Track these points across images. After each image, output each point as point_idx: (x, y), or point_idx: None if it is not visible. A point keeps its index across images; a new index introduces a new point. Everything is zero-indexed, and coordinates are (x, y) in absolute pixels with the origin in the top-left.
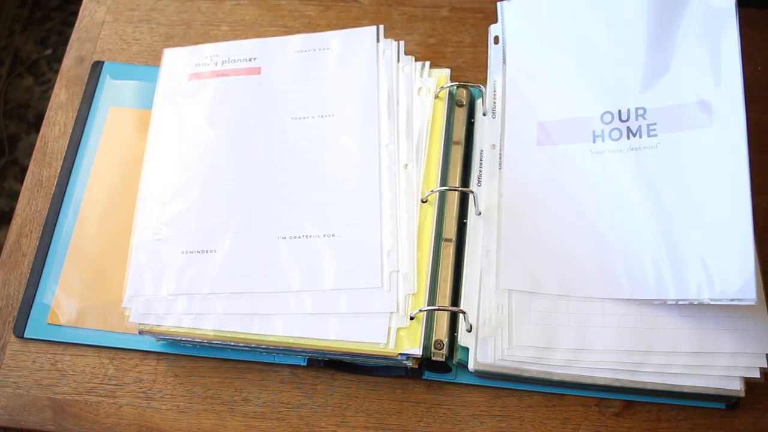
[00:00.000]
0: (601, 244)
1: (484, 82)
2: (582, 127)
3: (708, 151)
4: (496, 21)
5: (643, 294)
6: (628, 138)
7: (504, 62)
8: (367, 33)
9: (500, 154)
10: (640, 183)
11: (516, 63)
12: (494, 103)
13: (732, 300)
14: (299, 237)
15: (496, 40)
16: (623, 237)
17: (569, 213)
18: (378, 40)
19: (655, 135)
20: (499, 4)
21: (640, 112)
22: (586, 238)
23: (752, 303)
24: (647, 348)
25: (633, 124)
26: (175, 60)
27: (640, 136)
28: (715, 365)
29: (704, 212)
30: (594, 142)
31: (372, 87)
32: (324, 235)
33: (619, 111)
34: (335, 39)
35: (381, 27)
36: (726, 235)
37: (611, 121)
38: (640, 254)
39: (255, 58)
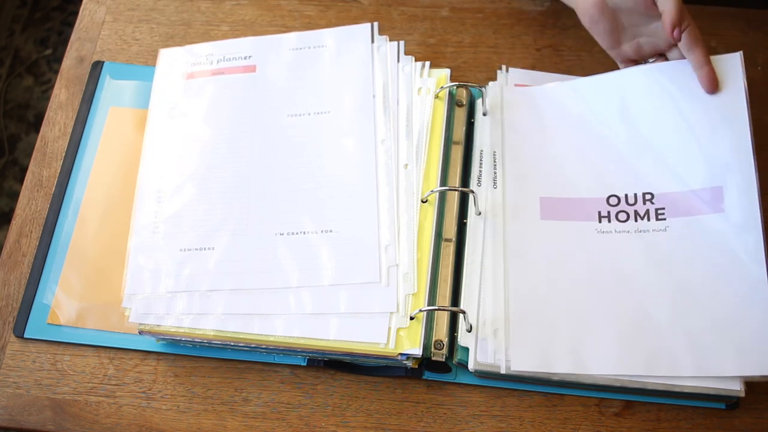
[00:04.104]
0: (613, 319)
1: (484, 82)
2: (587, 207)
3: (720, 236)
4: (495, 21)
5: (660, 371)
6: (636, 221)
7: (503, 135)
8: (362, 30)
9: (503, 224)
10: (650, 264)
11: (517, 137)
12: (495, 173)
13: (754, 377)
14: (297, 233)
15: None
16: (636, 314)
17: (577, 288)
18: (372, 38)
19: (664, 219)
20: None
21: (648, 196)
22: (596, 314)
23: None
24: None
25: (640, 208)
26: (171, 60)
27: (649, 219)
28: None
29: (719, 295)
30: (600, 222)
31: (367, 83)
32: (321, 231)
33: (626, 195)
34: (330, 36)
35: (375, 24)
36: (743, 318)
37: (618, 204)
38: (654, 332)
39: (250, 56)
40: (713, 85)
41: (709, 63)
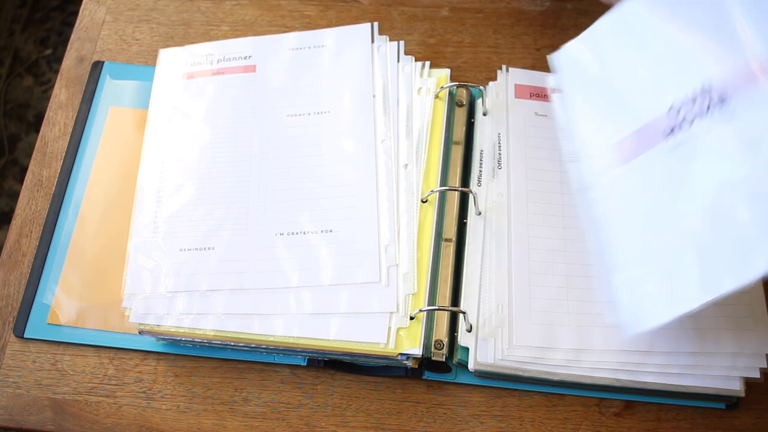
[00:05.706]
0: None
1: (484, 82)
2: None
3: None
4: (495, 21)
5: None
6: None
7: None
8: (362, 30)
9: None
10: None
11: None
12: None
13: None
14: (297, 233)
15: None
16: None
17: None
18: (372, 38)
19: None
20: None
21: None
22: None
23: None
24: (647, 348)
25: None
26: (171, 60)
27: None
28: (715, 365)
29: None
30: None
31: (367, 83)
32: (321, 231)
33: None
34: (330, 36)
35: (375, 24)
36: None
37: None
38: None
39: (250, 56)
40: None
41: None
